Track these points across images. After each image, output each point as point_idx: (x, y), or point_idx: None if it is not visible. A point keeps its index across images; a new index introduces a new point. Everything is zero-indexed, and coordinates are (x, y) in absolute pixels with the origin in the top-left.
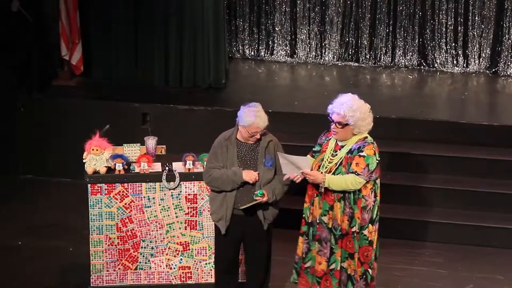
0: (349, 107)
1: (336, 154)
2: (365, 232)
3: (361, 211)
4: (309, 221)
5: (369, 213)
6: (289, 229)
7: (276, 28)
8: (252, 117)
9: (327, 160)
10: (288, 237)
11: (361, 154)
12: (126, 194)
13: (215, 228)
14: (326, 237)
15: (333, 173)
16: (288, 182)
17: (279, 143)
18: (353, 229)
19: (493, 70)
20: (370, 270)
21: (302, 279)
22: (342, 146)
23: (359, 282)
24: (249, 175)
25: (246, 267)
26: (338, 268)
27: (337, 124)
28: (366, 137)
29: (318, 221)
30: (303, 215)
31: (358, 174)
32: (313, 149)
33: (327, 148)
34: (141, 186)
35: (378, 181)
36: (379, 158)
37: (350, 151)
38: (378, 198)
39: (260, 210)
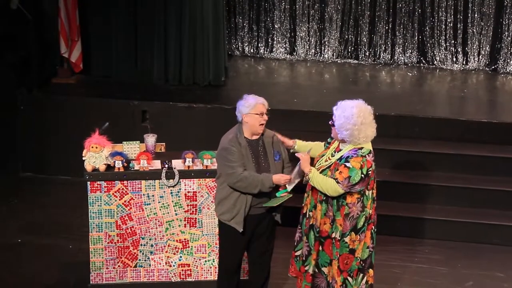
0: (342, 111)
1: (334, 156)
2: (346, 239)
3: (344, 218)
4: (304, 212)
5: (352, 221)
6: (290, 227)
7: (276, 26)
8: (253, 99)
9: (326, 158)
10: (289, 235)
11: (347, 164)
12: (126, 191)
13: (222, 229)
14: (307, 233)
15: (321, 173)
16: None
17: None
18: (333, 235)
19: (493, 67)
20: (350, 279)
21: (292, 267)
22: (340, 150)
23: None
24: (282, 179)
25: (251, 265)
26: (311, 271)
27: (332, 120)
28: (361, 148)
29: (307, 216)
30: (302, 204)
31: (338, 182)
32: (328, 140)
33: (331, 147)
34: (141, 184)
35: (369, 193)
36: (366, 173)
37: (341, 158)
38: (367, 209)
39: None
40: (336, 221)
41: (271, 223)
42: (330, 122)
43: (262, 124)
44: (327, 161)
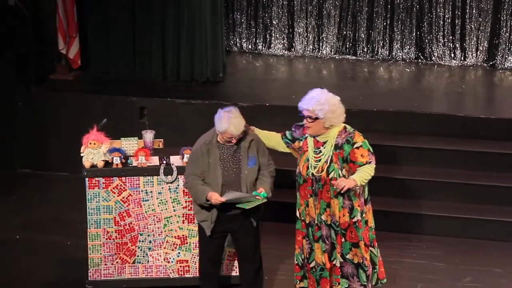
0: (316, 102)
1: (320, 151)
2: (364, 215)
3: (359, 198)
4: (307, 222)
5: (363, 195)
6: (282, 223)
7: (274, 22)
8: (225, 124)
9: (312, 159)
10: (281, 231)
11: (357, 145)
12: (124, 188)
13: (198, 228)
14: (327, 234)
15: (327, 171)
16: (274, 174)
17: (261, 141)
18: (354, 220)
19: (491, 63)
20: (373, 250)
21: (310, 280)
22: (324, 143)
23: (370, 267)
24: (213, 197)
25: (238, 262)
26: (338, 264)
27: (307, 118)
28: (346, 127)
29: (317, 222)
30: (302, 218)
31: (370, 163)
32: (286, 134)
33: (307, 147)
34: (139, 180)
35: None
36: None
37: (337, 146)
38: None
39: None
40: (353, 205)
41: (248, 222)
42: (308, 120)
43: (228, 142)
44: (319, 159)
